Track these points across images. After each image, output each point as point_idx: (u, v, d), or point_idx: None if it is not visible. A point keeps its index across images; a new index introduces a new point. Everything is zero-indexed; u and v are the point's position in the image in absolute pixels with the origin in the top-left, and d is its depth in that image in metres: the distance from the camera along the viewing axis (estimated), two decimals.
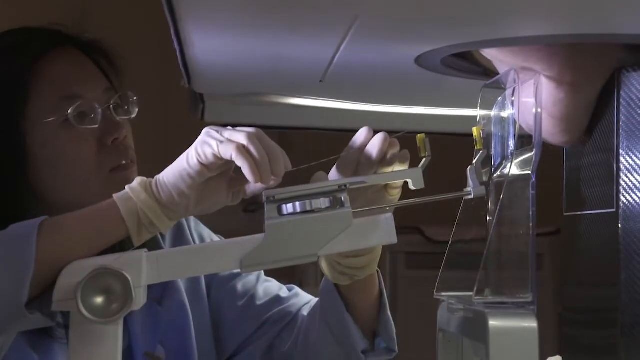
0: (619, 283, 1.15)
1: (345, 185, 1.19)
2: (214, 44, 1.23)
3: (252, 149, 1.18)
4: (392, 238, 1.20)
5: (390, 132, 1.28)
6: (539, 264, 2.84)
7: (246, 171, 1.18)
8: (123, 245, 1.27)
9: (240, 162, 1.18)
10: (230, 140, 1.19)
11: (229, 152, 1.18)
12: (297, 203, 1.18)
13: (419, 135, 1.21)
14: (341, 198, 1.18)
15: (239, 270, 1.19)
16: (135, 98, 1.44)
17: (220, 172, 1.23)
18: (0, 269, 1.18)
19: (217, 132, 1.21)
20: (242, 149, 1.18)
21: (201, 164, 1.20)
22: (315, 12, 1.06)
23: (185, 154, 1.22)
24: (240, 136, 1.19)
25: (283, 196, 1.18)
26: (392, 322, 1.43)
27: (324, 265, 1.36)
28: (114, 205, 1.22)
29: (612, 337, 1.16)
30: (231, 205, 1.28)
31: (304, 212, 1.17)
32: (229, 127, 1.21)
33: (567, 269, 1.29)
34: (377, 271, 1.41)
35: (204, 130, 1.22)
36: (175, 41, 1.17)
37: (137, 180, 1.23)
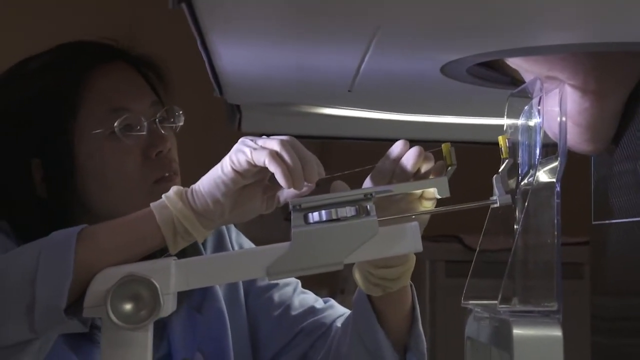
0: None
1: (371, 194, 1.19)
2: (240, 55, 1.24)
3: (284, 154, 1.19)
4: (417, 246, 1.19)
5: (424, 144, 1.28)
6: (579, 273, 2.81)
7: (278, 176, 1.19)
8: (163, 254, 1.28)
9: (272, 167, 1.19)
10: (263, 147, 1.20)
11: (261, 158, 1.19)
12: (323, 211, 1.18)
13: (444, 144, 1.21)
14: (367, 207, 1.18)
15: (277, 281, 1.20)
16: (181, 112, 1.46)
17: (255, 180, 1.24)
18: (40, 274, 1.20)
19: (252, 140, 1.22)
20: (274, 155, 1.19)
21: (235, 171, 1.21)
22: (337, 22, 1.07)
23: (220, 162, 1.23)
24: (273, 143, 1.20)
25: (309, 204, 1.18)
26: (424, 337, 1.42)
27: (357, 275, 1.36)
28: (151, 214, 1.23)
29: None
30: (265, 213, 1.29)
31: (329, 220, 1.18)
32: (264, 136, 1.23)
33: (596, 278, 1.29)
34: (411, 285, 1.40)
35: (240, 140, 1.23)
36: (202, 52, 1.18)
37: (174, 189, 1.24)
